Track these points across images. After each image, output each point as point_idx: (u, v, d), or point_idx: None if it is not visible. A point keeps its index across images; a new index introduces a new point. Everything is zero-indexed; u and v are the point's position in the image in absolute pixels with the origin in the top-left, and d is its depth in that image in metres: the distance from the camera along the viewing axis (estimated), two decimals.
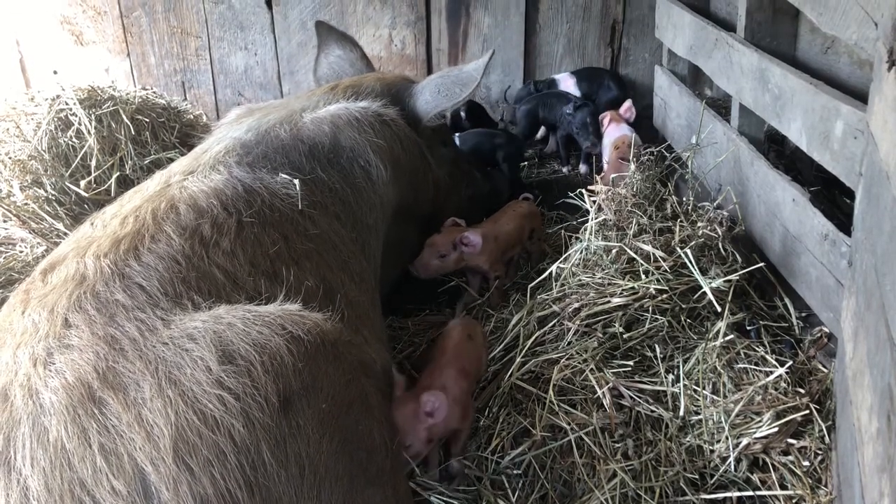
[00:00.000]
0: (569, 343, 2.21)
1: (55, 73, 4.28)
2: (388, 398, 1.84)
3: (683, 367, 2.13)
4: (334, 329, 1.64)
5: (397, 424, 1.79)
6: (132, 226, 1.81)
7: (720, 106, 3.32)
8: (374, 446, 1.61)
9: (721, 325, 2.17)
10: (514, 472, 1.93)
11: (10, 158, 2.86)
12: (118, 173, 2.91)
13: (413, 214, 2.77)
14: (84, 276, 1.64)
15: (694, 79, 3.73)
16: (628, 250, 2.35)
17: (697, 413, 2.02)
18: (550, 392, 2.05)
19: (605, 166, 3.27)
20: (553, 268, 2.46)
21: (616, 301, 2.24)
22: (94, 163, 2.90)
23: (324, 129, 2.42)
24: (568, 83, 4.04)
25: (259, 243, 1.91)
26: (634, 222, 2.48)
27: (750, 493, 1.87)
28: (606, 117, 3.56)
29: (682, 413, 2.02)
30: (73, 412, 1.34)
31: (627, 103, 3.61)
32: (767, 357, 2.11)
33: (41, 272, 1.72)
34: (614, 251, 2.39)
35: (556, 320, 2.27)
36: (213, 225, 1.88)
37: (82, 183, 2.82)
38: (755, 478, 1.91)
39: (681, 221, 2.49)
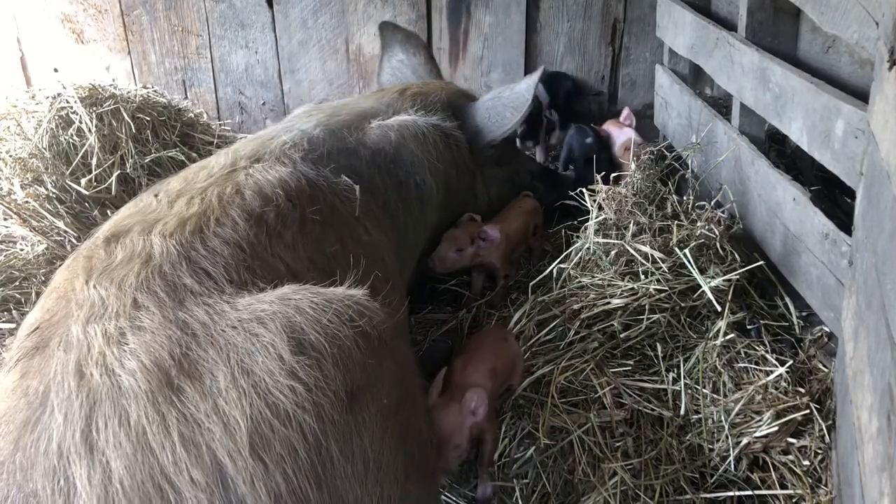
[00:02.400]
0: (570, 344, 2.21)
1: (56, 71, 4.28)
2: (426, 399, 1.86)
3: (684, 366, 2.13)
4: (394, 325, 1.64)
5: (443, 428, 1.80)
6: (198, 206, 1.80)
7: (721, 105, 3.31)
8: (424, 442, 1.64)
9: (721, 324, 2.17)
10: (521, 481, 1.93)
11: (10, 156, 2.87)
12: (119, 171, 2.91)
13: (437, 235, 2.77)
14: (150, 254, 1.63)
15: (695, 78, 3.73)
16: (629, 249, 2.35)
17: (698, 412, 2.02)
18: (553, 395, 2.05)
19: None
20: (553, 268, 2.46)
21: (616, 302, 2.24)
22: (94, 161, 2.90)
23: (390, 137, 2.42)
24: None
25: (319, 241, 1.92)
26: (633, 222, 2.48)
27: (750, 492, 1.87)
28: (609, 126, 3.59)
29: (682, 412, 2.02)
30: (152, 397, 1.33)
31: (626, 111, 3.64)
32: (768, 356, 2.11)
33: (104, 240, 1.70)
34: (613, 252, 2.39)
35: (556, 321, 2.27)
36: (278, 214, 1.88)
37: (83, 181, 2.82)
38: (755, 477, 1.91)
39: (678, 221, 2.49)
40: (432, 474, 1.67)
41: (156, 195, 1.90)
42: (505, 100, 2.76)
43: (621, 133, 3.52)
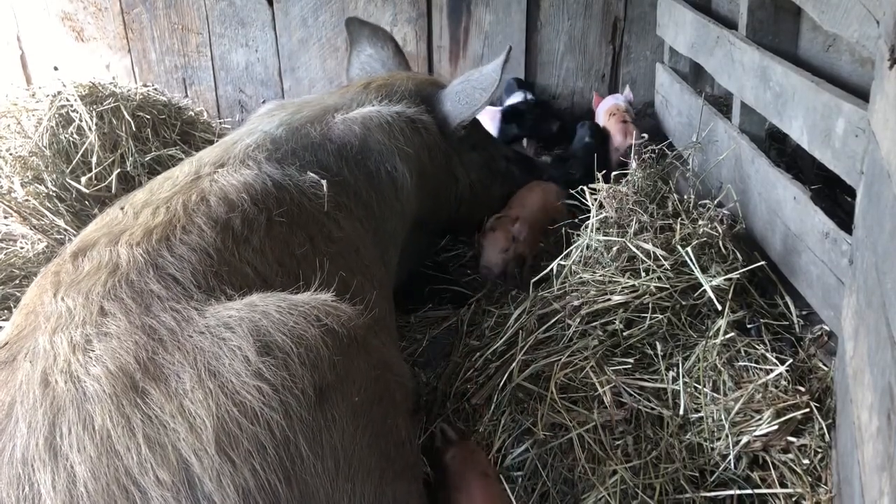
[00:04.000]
0: (570, 340, 2.20)
1: (56, 69, 4.28)
2: (409, 397, 1.85)
3: (684, 364, 2.13)
4: (365, 323, 1.64)
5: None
6: (164, 216, 1.81)
7: (721, 104, 3.32)
8: (401, 440, 1.62)
9: (721, 322, 2.17)
10: (516, 473, 1.93)
11: (10, 155, 2.87)
12: (119, 170, 2.91)
13: (429, 225, 2.77)
14: (117, 264, 1.64)
15: (695, 76, 3.73)
16: (631, 246, 2.35)
17: (698, 411, 2.02)
18: (552, 390, 2.05)
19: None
20: (554, 265, 2.46)
21: (616, 299, 2.24)
22: (94, 159, 2.90)
23: (354, 130, 2.41)
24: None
25: (287, 243, 1.92)
26: (635, 220, 2.48)
27: (750, 490, 1.87)
28: (599, 97, 3.92)
29: (682, 411, 2.02)
30: (117, 401, 1.34)
31: (626, 88, 3.90)
32: (768, 355, 2.11)
33: (71, 255, 1.71)
34: (615, 249, 2.39)
35: (556, 318, 2.27)
36: (244, 220, 1.88)
37: (83, 179, 2.82)
38: (755, 475, 1.91)
39: (681, 220, 2.49)
40: (412, 473, 1.66)
41: (121, 208, 1.91)
42: (474, 82, 2.77)
43: (610, 98, 3.79)
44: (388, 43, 3.24)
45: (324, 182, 2.14)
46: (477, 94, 2.75)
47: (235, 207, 1.90)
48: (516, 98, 3.97)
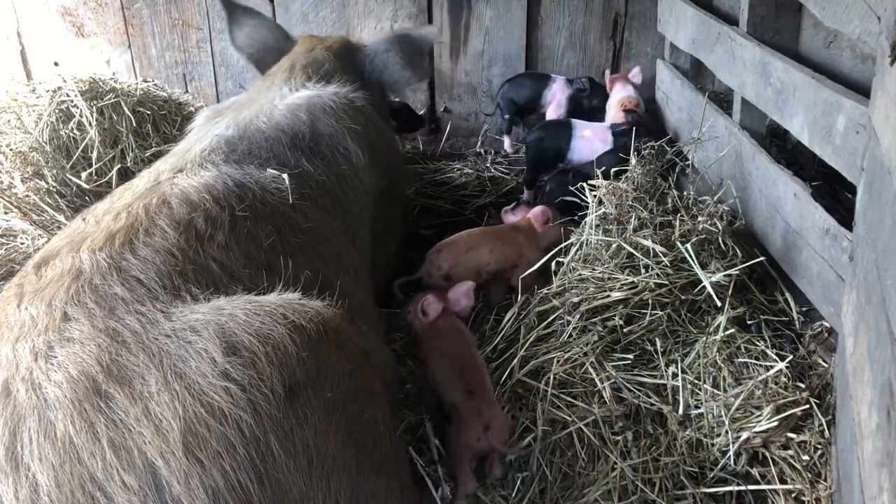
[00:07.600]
0: (569, 337, 2.21)
1: (56, 64, 4.27)
2: (389, 387, 1.84)
3: (683, 361, 2.13)
4: (335, 316, 1.63)
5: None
6: (125, 220, 1.80)
7: (722, 100, 3.31)
8: (380, 434, 1.61)
9: (721, 319, 2.17)
10: (520, 474, 1.93)
11: (11, 150, 2.87)
12: (119, 165, 2.91)
13: (394, 197, 2.80)
14: (80, 270, 1.63)
15: (696, 73, 3.73)
16: (626, 246, 2.35)
17: (698, 407, 2.02)
18: (550, 386, 2.05)
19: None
20: (553, 261, 2.47)
21: (616, 295, 2.24)
22: (95, 155, 2.90)
23: (301, 118, 2.43)
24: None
25: (253, 237, 1.91)
26: (635, 216, 2.48)
27: (749, 487, 1.88)
28: (613, 79, 3.82)
29: (682, 407, 2.02)
30: (79, 406, 1.33)
31: (636, 69, 3.84)
32: (768, 351, 2.12)
33: (34, 266, 1.71)
34: (614, 245, 2.39)
35: (556, 314, 2.28)
36: (207, 219, 1.87)
37: (83, 175, 2.82)
38: (755, 472, 1.91)
39: (681, 216, 2.49)
40: (393, 467, 1.64)
41: (83, 219, 1.90)
42: (414, 46, 2.91)
43: (623, 89, 3.76)
44: (263, 15, 3.29)
45: (285, 175, 2.15)
46: (416, 59, 2.89)
47: (197, 207, 1.90)
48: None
